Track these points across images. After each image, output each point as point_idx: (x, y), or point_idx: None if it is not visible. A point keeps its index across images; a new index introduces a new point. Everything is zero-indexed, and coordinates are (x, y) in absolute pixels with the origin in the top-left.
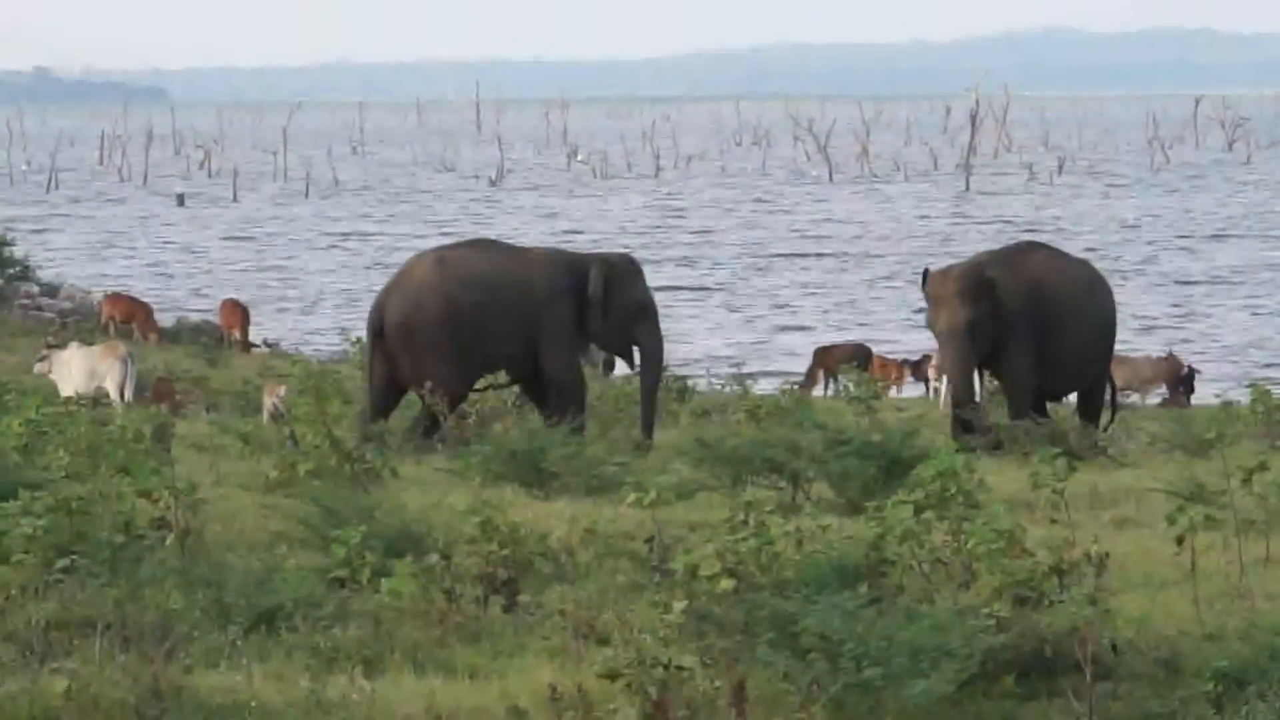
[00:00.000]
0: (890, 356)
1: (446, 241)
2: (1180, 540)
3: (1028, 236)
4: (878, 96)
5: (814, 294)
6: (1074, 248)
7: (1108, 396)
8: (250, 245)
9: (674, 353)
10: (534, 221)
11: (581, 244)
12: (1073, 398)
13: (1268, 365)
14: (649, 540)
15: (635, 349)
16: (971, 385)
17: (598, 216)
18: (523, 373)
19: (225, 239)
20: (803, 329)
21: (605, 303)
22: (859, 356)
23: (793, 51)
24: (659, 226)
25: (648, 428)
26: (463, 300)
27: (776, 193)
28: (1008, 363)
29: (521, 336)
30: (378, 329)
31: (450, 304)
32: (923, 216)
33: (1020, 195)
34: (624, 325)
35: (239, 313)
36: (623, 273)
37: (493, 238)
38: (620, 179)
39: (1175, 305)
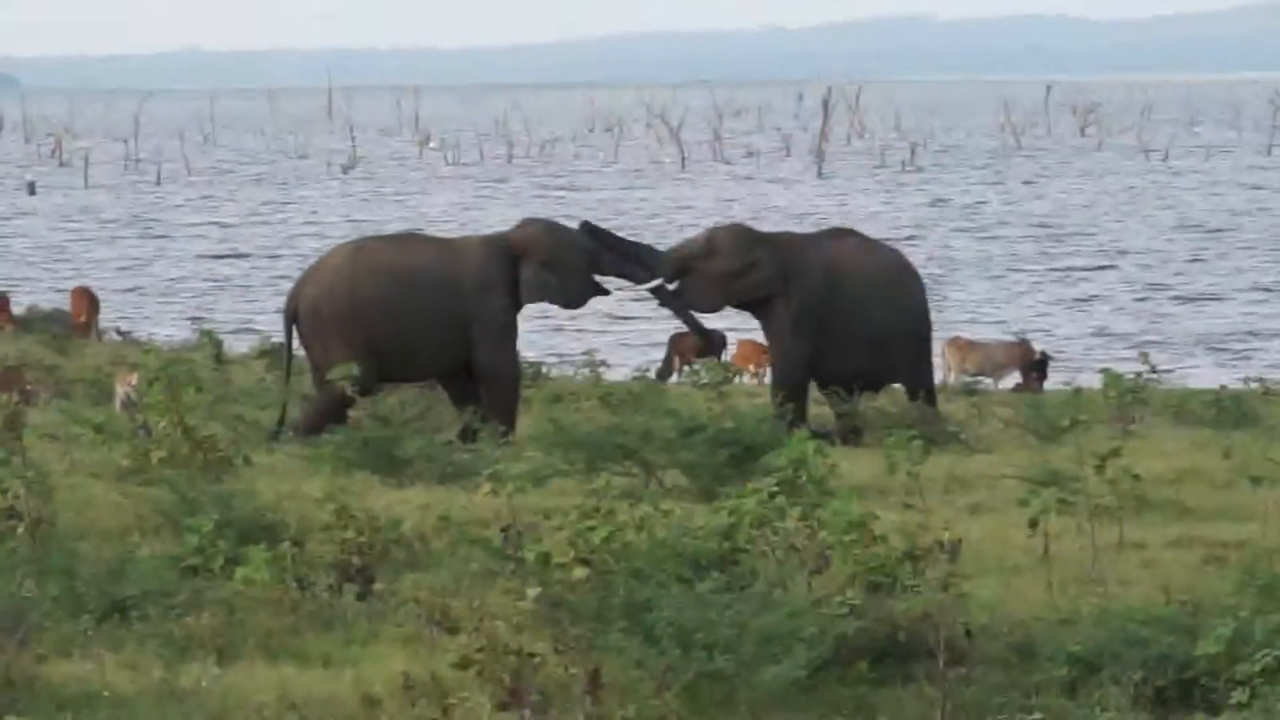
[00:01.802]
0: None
1: (296, 232)
2: (1033, 524)
3: (869, 222)
4: (730, 83)
5: None
6: (918, 232)
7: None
8: (101, 233)
9: (539, 343)
10: (387, 208)
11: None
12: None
13: (1112, 349)
14: (505, 529)
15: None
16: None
17: (457, 205)
18: (444, 368)
19: (76, 227)
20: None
21: (559, 278)
22: (716, 343)
23: (647, 40)
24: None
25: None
26: (373, 293)
27: (630, 178)
28: (777, 344)
29: (445, 330)
30: (293, 316)
31: (359, 295)
32: (772, 205)
33: (871, 181)
34: (585, 279)
35: (87, 300)
36: (554, 245)
37: (417, 229)
38: (469, 166)
39: (1023, 291)
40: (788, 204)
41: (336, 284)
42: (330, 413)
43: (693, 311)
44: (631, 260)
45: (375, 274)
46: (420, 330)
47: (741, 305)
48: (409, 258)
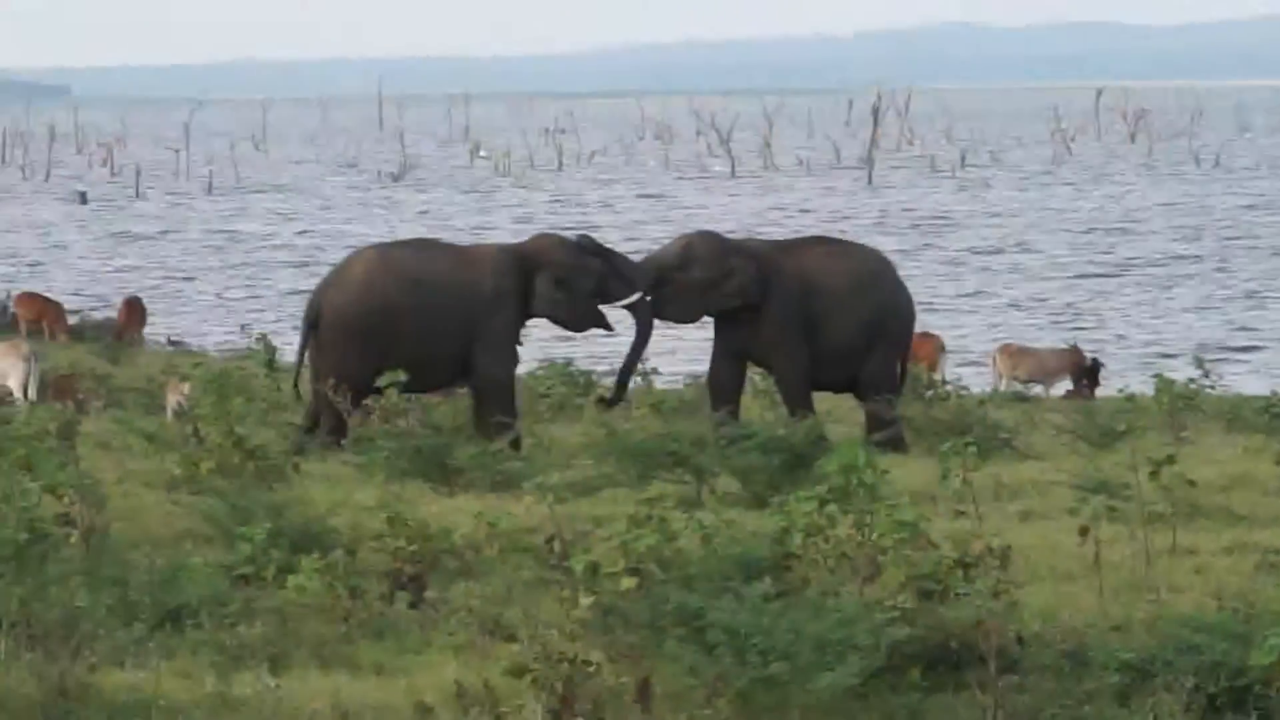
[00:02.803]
0: None
1: (348, 241)
2: (1084, 531)
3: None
4: (781, 91)
5: None
6: (970, 239)
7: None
8: (152, 242)
9: (588, 351)
10: (435, 218)
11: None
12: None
13: (1165, 356)
14: (549, 540)
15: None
16: (647, 334)
17: (506, 212)
18: (446, 378)
19: (127, 236)
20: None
21: (568, 298)
22: None
23: (695, 48)
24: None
25: (622, 388)
26: (402, 299)
27: (676, 187)
28: (779, 360)
29: (456, 340)
30: (313, 323)
31: (389, 301)
32: (807, 211)
33: (921, 188)
34: (588, 303)
35: (127, 309)
36: (568, 262)
37: (434, 237)
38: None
39: (1077, 297)
40: (837, 211)
41: (364, 290)
42: (343, 415)
43: (671, 321)
44: (617, 276)
45: (403, 280)
46: (442, 337)
47: (715, 315)
48: (432, 264)
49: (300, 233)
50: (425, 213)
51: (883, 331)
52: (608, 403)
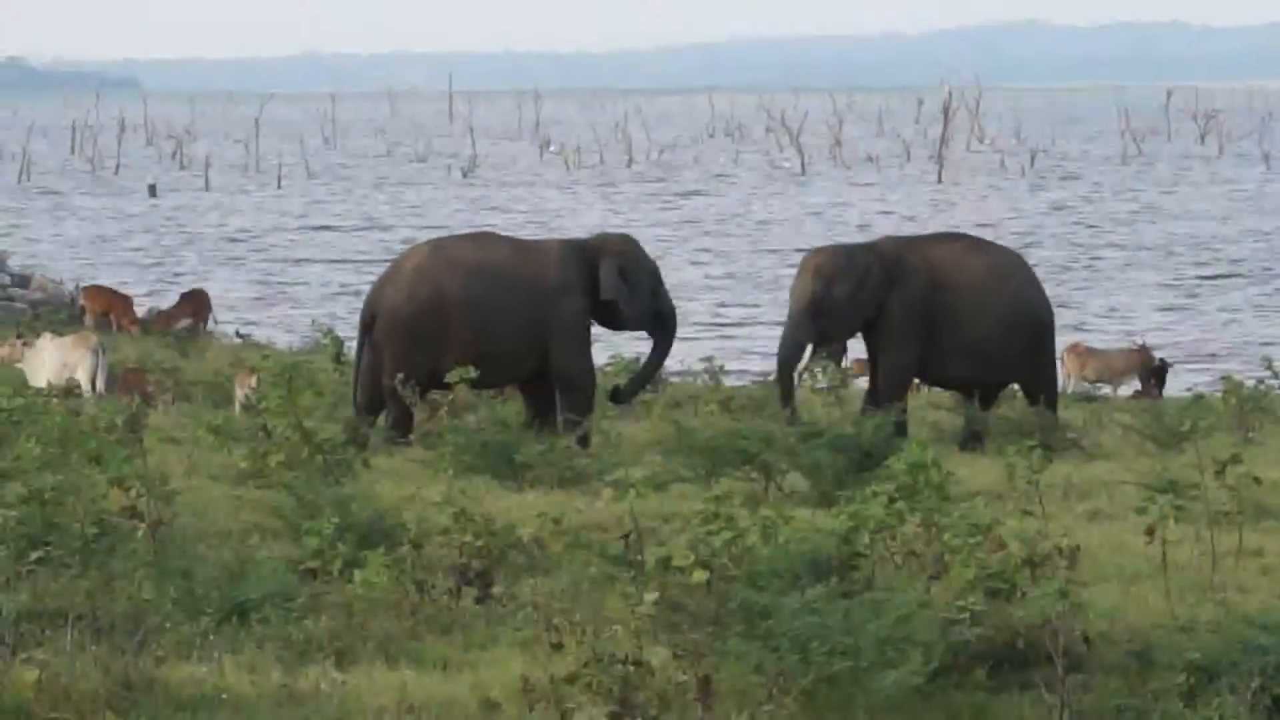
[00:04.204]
0: None
1: (418, 234)
2: (1150, 531)
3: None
4: (850, 88)
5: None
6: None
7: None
8: (221, 235)
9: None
10: (504, 213)
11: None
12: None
13: (1231, 359)
14: (625, 536)
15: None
16: (795, 360)
17: (586, 208)
18: (522, 372)
19: (197, 228)
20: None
21: (629, 292)
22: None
23: (763, 44)
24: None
25: (634, 394)
26: (460, 292)
27: (755, 186)
28: (886, 352)
29: (524, 333)
30: (369, 321)
31: (446, 294)
32: (885, 211)
33: (991, 187)
34: (647, 304)
35: (200, 302)
36: (632, 257)
37: (491, 230)
38: (589, 170)
39: (1149, 300)
40: (906, 210)
41: (419, 284)
42: (408, 410)
43: (834, 343)
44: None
45: (460, 273)
46: (502, 332)
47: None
48: (491, 256)
49: (369, 227)
50: (495, 208)
51: (1031, 330)
52: (615, 398)
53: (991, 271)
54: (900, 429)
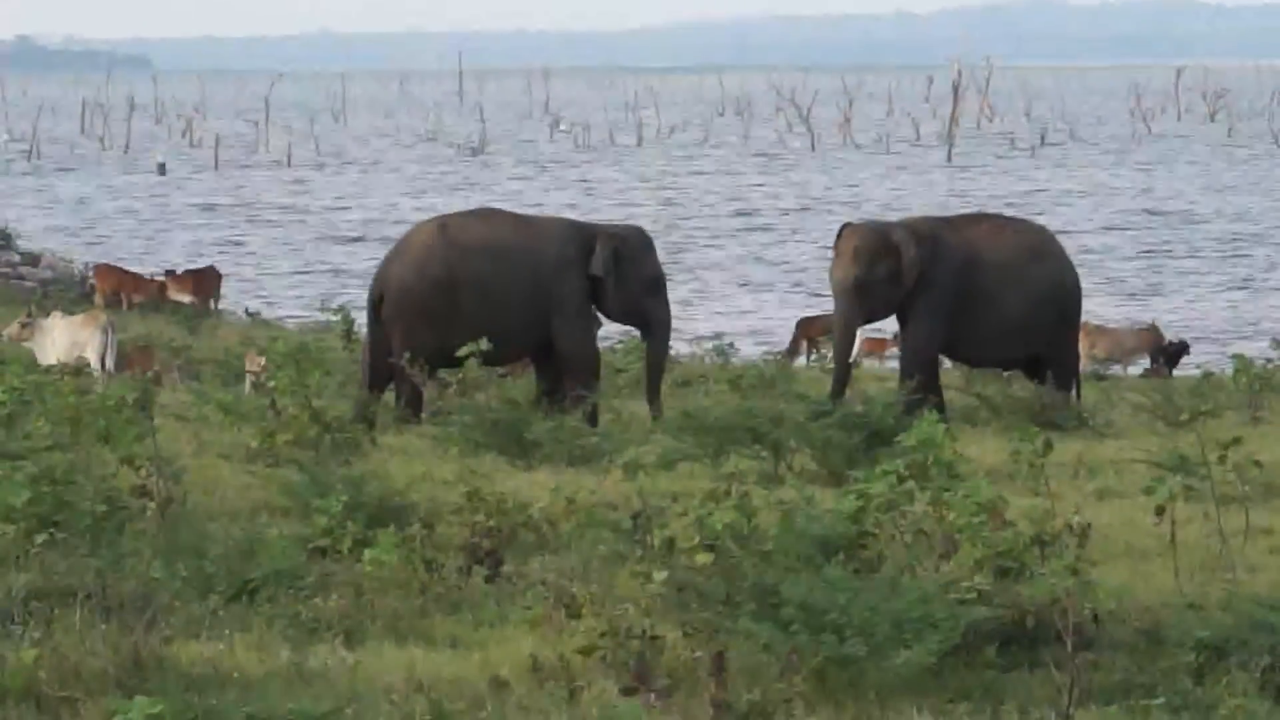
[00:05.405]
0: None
1: (426, 212)
2: (1160, 510)
3: (1007, 206)
4: (860, 67)
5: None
6: (1050, 219)
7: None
8: (231, 213)
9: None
10: (513, 192)
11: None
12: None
13: (1242, 338)
14: (635, 515)
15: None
16: (851, 343)
17: (586, 189)
18: (529, 347)
19: (207, 207)
20: (784, 300)
21: (616, 277)
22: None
23: (775, 23)
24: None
25: (653, 400)
26: (466, 269)
27: (760, 165)
28: (911, 327)
29: (529, 309)
30: (377, 299)
31: (453, 271)
32: (895, 189)
33: (1000, 166)
34: (635, 299)
35: (210, 280)
36: (634, 247)
37: (496, 206)
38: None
39: (1156, 277)
40: (917, 188)
41: (427, 262)
42: (417, 389)
43: (879, 320)
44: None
45: (467, 251)
46: (509, 308)
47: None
48: (497, 233)
49: (379, 206)
50: (504, 187)
51: (1059, 306)
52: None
53: (1025, 250)
54: (939, 408)
